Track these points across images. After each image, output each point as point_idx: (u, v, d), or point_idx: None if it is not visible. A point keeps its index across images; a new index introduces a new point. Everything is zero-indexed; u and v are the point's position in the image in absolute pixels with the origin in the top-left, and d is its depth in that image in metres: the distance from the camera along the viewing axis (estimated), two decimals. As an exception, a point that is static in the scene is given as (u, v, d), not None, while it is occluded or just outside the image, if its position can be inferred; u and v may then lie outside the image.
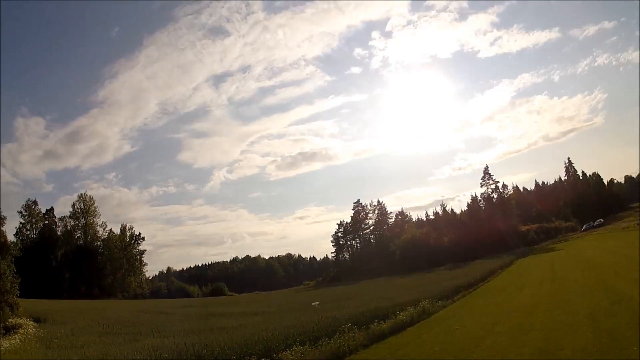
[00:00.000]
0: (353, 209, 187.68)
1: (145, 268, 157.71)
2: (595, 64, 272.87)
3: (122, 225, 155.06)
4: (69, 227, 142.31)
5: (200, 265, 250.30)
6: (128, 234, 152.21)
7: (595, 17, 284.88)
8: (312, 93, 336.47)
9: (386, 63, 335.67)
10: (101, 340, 32.02)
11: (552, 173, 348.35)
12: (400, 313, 30.96)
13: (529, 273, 56.63)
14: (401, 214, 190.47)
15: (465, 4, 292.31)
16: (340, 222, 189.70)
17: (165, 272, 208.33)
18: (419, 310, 32.92)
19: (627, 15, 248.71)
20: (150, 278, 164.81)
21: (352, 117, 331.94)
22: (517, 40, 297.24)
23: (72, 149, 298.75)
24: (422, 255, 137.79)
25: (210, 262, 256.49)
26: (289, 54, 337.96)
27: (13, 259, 48.27)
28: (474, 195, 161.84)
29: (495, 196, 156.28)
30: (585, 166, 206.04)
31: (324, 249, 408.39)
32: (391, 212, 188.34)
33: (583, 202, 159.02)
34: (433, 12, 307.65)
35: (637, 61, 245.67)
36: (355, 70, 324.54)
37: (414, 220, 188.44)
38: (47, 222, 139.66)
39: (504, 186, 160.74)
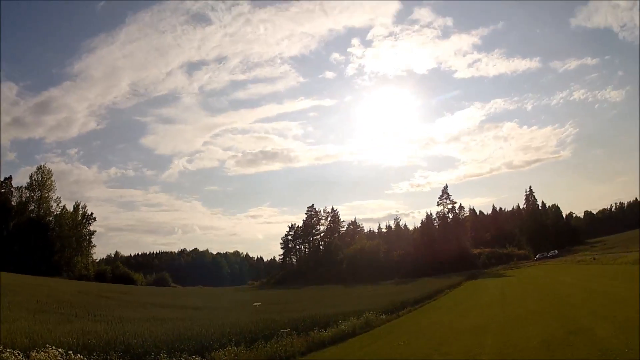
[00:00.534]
0: (306, 214, 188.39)
1: (94, 250, 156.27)
2: (571, 98, 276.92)
3: (75, 203, 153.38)
4: (24, 199, 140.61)
5: (147, 253, 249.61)
6: (80, 212, 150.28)
7: (579, 52, 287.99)
8: (283, 92, 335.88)
9: (361, 71, 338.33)
10: (34, 317, 30.55)
11: (510, 200, 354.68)
12: (343, 322, 30.09)
13: (478, 295, 56.24)
14: (353, 223, 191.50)
15: (450, 23, 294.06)
16: (292, 225, 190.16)
17: (112, 256, 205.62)
18: (362, 321, 31.99)
19: (610, 53, 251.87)
20: (97, 260, 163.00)
21: (318, 121, 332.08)
22: (495, 65, 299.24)
23: (39, 120, 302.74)
24: (370, 267, 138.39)
25: (158, 251, 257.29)
26: (266, 50, 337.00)
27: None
28: (429, 213, 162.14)
29: (451, 216, 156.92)
30: (545, 197, 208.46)
31: (272, 251, 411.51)
32: (344, 221, 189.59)
33: (539, 232, 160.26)
34: (417, 27, 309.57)
35: (614, 100, 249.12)
36: (330, 74, 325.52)
37: (365, 231, 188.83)
38: (3, 190, 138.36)
39: (461, 207, 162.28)
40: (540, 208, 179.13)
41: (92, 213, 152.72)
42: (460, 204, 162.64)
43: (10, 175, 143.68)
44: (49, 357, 16.74)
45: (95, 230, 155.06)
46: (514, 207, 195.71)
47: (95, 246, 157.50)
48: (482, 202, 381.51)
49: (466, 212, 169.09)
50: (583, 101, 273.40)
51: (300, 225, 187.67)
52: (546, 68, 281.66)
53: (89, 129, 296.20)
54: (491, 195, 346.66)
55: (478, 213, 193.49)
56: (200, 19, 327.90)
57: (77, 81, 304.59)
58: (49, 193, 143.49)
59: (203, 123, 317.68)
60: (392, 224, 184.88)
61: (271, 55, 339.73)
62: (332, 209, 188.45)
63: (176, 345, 20.32)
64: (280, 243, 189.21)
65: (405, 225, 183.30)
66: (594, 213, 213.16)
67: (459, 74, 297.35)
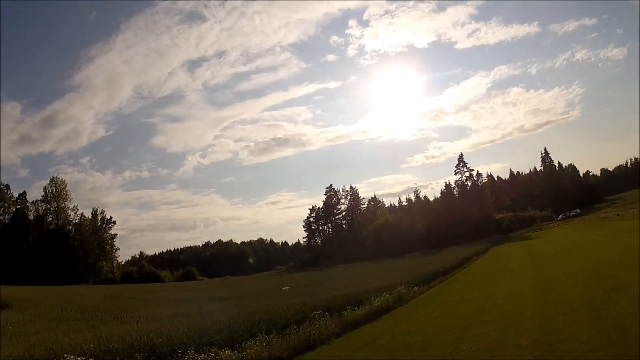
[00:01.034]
0: (325, 194, 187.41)
1: (118, 253, 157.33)
2: (574, 59, 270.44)
3: (93, 209, 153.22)
4: (40, 212, 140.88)
5: (172, 250, 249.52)
6: (99, 217, 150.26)
7: (576, 14, 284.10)
8: (287, 79, 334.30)
9: (362, 51, 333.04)
10: (58, 327, 29.84)
11: (526, 164, 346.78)
12: (375, 299, 29.13)
13: (507, 260, 55.02)
14: (374, 199, 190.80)
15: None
16: (313, 207, 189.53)
17: (137, 256, 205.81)
18: (395, 296, 31.09)
19: (608, 12, 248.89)
20: (122, 263, 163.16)
21: (326, 103, 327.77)
22: (495, 32, 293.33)
23: (47, 134, 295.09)
24: (395, 241, 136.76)
25: (182, 247, 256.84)
26: (265, 40, 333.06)
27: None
28: (447, 183, 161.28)
29: (469, 184, 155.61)
30: (560, 158, 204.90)
31: (296, 234, 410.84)
32: (363, 198, 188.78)
33: (559, 192, 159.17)
34: (411, 3, 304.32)
35: (617, 58, 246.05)
36: (331, 57, 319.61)
37: (386, 206, 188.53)
38: (19, 206, 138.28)
39: (478, 174, 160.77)
40: (557, 169, 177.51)
41: (111, 217, 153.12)
42: (478, 171, 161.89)
43: (25, 191, 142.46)
44: None
45: (116, 234, 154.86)
46: (531, 170, 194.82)
47: (119, 249, 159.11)
48: (498, 168, 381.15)
49: (484, 179, 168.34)
50: (586, 61, 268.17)
51: (321, 206, 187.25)
52: (545, 32, 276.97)
53: (98, 136, 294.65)
54: (507, 161, 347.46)
55: (496, 178, 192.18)
56: (195, 17, 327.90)
57: (79, 92, 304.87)
58: (65, 203, 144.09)
59: (211, 117, 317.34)
60: (412, 196, 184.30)
61: (270, 44, 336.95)
62: (351, 187, 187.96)
63: (204, 339, 19.45)
64: (303, 226, 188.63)
65: (425, 196, 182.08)
66: (610, 170, 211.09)
67: (460, 44, 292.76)
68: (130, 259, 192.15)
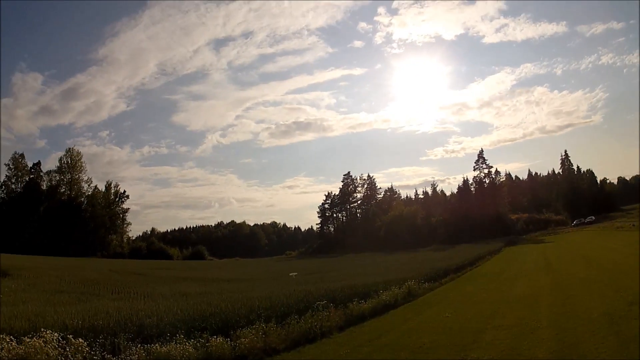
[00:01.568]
0: (342, 181, 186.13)
1: (129, 228, 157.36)
2: (600, 62, 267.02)
3: (107, 182, 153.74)
4: (54, 182, 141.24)
5: (184, 228, 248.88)
6: (113, 191, 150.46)
7: (604, 17, 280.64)
8: (312, 63, 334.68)
9: (389, 39, 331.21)
10: (50, 298, 29.24)
11: (544, 165, 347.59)
12: (384, 292, 27.89)
13: (520, 262, 54.31)
14: (390, 190, 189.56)
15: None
16: (329, 193, 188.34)
17: (149, 233, 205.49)
18: (404, 290, 29.93)
19: (635, 17, 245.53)
20: (133, 238, 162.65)
21: (350, 90, 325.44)
22: (523, 29, 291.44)
23: (67, 106, 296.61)
24: (408, 233, 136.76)
25: (195, 226, 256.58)
26: (292, 22, 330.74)
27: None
28: (465, 178, 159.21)
29: (487, 181, 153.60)
30: (579, 163, 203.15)
31: (309, 220, 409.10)
32: (380, 188, 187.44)
33: (575, 198, 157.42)
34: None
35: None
36: (358, 44, 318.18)
37: (402, 198, 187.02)
38: (32, 176, 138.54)
39: (497, 172, 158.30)
40: (575, 173, 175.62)
41: (124, 191, 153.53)
42: (497, 168, 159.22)
43: (39, 161, 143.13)
44: (44, 342, 14.94)
45: (128, 208, 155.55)
46: (549, 172, 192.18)
47: (131, 224, 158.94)
48: (516, 167, 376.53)
49: (502, 177, 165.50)
50: (611, 65, 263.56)
51: (337, 193, 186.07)
52: (573, 32, 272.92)
53: (118, 110, 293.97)
54: (525, 160, 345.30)
55: (514, 178, 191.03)
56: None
57: (103, 66, 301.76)
58: (80, 174, 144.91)
59: (234, 97, 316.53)
60: (429, 190, 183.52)
61: (298, 27, 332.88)
62: (369, 175, 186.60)
63: (197, 323, 18.33)
64: (317, 212, 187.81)
65: (442, 190, 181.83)
66: (627, 179, 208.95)
67: (487, 39, 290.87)
68: (141, 234, 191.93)
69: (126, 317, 18.42)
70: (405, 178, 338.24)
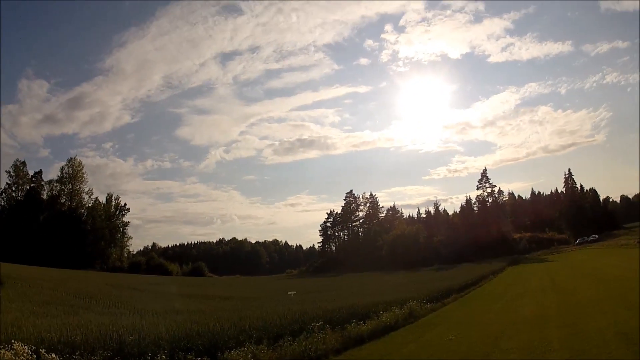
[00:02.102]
0: (345, 199, 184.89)
1: (130, 242, 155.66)
2: (604, 82, 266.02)
3: (108, 194, 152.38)
4: (55, 192, 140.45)
5: (185, 243, 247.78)
6: (113, 203, 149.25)
7: (609, 36, 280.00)
8: (318, 80, 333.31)
9: (395, 57, 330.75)
10: (36, 309, 28.66)
11: (547, 184, 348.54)
12: (384, 313, 26.76)
13: (525, 281, 53.35)
14: (393, 209, 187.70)
15: (481, 7, 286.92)
16: (330, 211, 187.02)
17: (150, 247, 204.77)
18: (406, 311, 28.68)
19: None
20: (133, 252, 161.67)
21: (354, 108, 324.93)
22: (528, 48, 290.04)
23: (72, 115, 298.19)
24: (410, 253, 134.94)
25: (196, 242, 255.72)
26: (299, 38, 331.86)
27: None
28: (468, 198, 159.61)
29: (490, 200, 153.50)
30: (581, 181, 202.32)
31: (311, 239, 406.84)
32: (382, 207, 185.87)
33: (578, 216, 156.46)
34: (449, 12, 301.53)
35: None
36: (364, 61, 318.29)
37: (405, 217, 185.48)
38: (33, 184, 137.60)
39: (500, 192, 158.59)
40: (579, 191, 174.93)
41: (125, 204, 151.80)
42: (500, 188, 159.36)
43: (41, 169, 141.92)
44: (13, 355, 14.34)
45: (129, 222, 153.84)
46: (552, 191, 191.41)
47: (132, 238, 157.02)
48: (519, 187, 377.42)
49: (505, 197, 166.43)
50: (616, 84, 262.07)
51: (339, 211, 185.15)
52: (578, 51, 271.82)
53: (123, 122, 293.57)
54: (528, 180, 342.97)
55: (517, 197, 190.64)
56: (232, 10, 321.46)
57: (109, 76, 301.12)
58: (81, 185, 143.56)
59: (238, 113, 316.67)
60: (432, 209, 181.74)
61: (305, 43, 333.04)
62: (371, 194, 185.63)
63: (182, 343, 17.32)
64: (319, 230, 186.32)
65: (444, 210, 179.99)
66: (630, 198, 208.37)
67: (493, 58, 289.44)
68: (142, 249, 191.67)
69: (107, 333, 17.50)
70: (408, 197, 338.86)
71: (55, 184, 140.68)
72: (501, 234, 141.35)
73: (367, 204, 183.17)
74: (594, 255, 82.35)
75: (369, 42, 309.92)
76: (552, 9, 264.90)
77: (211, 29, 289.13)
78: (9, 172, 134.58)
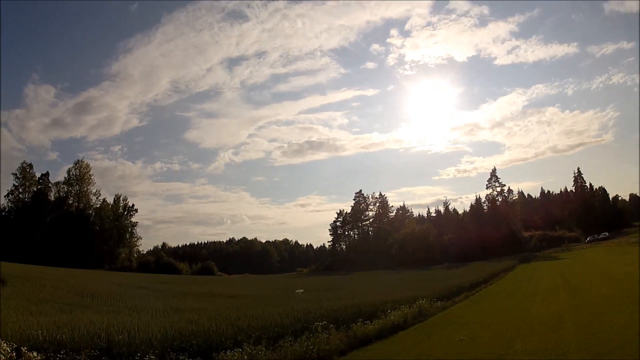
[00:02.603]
0: (354, 199, 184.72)
1: (139, 242, 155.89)
2: (610, 82, 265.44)
3: (115, 196, 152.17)
4: (62, 193, 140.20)
5: (195, 243, 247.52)
6: (121, 204, 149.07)
7: (614, 37, 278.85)
8: (325, 84, 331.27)
9: (402, 61, 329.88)
10: (30, 307, 28.35)
11: (556, 184, 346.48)
12: (392, 312, 25.82)
13: (537, 279, 52.14)
14: (402, 208, 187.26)
15: (486, 11, 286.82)
16: (340, 211, 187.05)
17: (160, 247, 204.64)
18: (415, 310, 27.75)
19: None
20: (143, 252, 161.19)
21: (362, 110, 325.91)
22: (534, 51, 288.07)
23: (80, 119, 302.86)
24: (420, 251, 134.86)
25: (206, 242, 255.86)
26: (305, 43, 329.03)
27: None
28: (478, 197, 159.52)
29: (500, 199, 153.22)
30: (590, 180, 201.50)
31: (321, 238, 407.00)
32: (392, 206, 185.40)
33: (588, 214, 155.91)
34: (454, 16, 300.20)
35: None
36: (370, 65, 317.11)
37: (415, 216, 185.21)
38: (41, 186, 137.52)
39: (509, 190, 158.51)
40: (588, 190, 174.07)
41: (133, 205, 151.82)
42: (509, 187, 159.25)
43: (48, 172, 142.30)
44: None
45: (137, 222, 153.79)
46: (562, 190, 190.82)
47: (141, 238, 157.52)
48: (529, 186, 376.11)
49: (515, 196, 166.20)
50: (622, 85, 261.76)
51: (349, 211, 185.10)
52: (584, 53, 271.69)
53: (131, 126, 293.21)
54: (537, 180, 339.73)
55: (526, 196, 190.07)
56: (237, 16, 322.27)
57: (116, 81, 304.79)
58: (88, 187, 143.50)
59: (247, 116, 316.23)
60: (441, 208, 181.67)
61: (311, 48, 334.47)
62: (380, 194, 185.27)
63: (176, 343, 16.49)
64: (329, 229, 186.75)
65: (454, 209, 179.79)
66: (639, 196, 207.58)
67: (499, 60, 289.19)
68: (152, 249, 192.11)
69: (95, 332, 16.75)
70: (418, 197, 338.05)
71: (62, 186, 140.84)
72: (511, 232, 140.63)
73: (377, 204, 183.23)
74: (605, 253, 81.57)
75: (375, 46, 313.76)
76: (556, 11, 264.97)
77: (217, 35, 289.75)
78: (16, 174, 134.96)
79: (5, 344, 13.95)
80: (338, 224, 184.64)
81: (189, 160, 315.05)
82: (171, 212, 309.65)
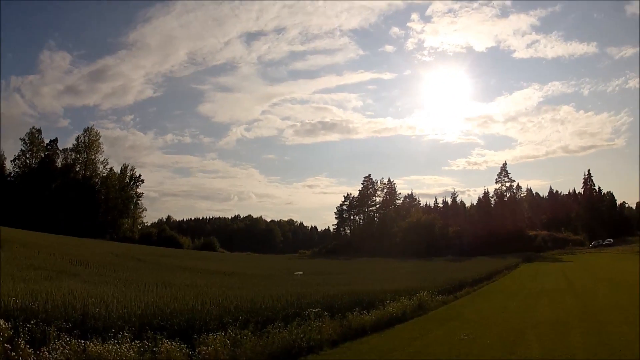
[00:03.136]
0: (362, 183, 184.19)
1: (144, 213, 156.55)
2: (627, 86, 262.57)
3: (123, 165, 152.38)
4: (69, 160, 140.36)
5: (200, 218, 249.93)
6: (128, 174, 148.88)
7: (634, 40, 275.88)
8: (342, 64, 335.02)
9: (421, 46, 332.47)
10: (16, 273, 27.28)
11: (565, 184, 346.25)
12: (391, 303, 24.78)
13: (540, 280, 51.48)
14: (410, 196, 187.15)
15: (508, 2, 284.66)
16: (348, 194, 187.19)
17: (164, 220, 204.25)
18: (415, 302, 26.92)
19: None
20: (147, 224, 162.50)
21: (377, 94, 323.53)
22: (554, 47, 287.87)
23: (94, 87, 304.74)
24: (425, 241, 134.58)
25: (211, 217, 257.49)
26: (325, 22, 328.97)
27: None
28: (486, 191, 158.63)
29: (508, 195, 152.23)
30: (599, 184, 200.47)
31: (327, 221, 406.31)
32: (400, 193, 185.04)
33: (594, 218, 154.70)
34: (475, 4, 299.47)
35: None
36: (389, 48, 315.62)
37: (422, 205, 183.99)
38: (48, 152, 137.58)
39: (518, 187, 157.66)
40: (596, 193, 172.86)
41: (140, 175, 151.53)
42: (518, 183, 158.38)
43: (57, 138, 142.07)
44: None
45: (142, 193, 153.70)
46: (570, 192, 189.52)
47: (146, 210, 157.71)
48: (537, 184, 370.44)
49: (523, 192, 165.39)
50: (638, 90, 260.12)
51: (356, 195, 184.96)
52: (603, 53, 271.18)
53: (145, 96, 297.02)
54: (546, 178, 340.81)
55: (534, 194, 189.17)
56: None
57: (132, 50, 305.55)
58: (96, 155, 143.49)
59: (261, 92, 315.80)
60: (449, 199, 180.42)
61: (330, 27, 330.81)
62: (389, 180, 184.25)
63: (156, 320, 15.43)
64: (335, 213, 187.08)
65: (462, 201, 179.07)
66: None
67: (518, 54, 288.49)
68: (157, 221, 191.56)
69: (71, 302, 15.82)
70: (426, 186, 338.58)
71: (70, 153, 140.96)
72: (517, 229, 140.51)
73: (385, 190, 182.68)
74: (610, 260, 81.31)
75: (395, 29, 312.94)
76: (578, 8, 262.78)
77: (237, 9, 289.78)
78: (24, 139, 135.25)
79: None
80: (344, 207, 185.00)
81: (201, 133, 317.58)
82: (179, 186, 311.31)
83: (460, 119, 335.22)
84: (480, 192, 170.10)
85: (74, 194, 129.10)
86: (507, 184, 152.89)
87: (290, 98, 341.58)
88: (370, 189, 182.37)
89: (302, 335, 16.48)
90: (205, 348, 13.79)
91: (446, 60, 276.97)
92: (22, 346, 12.08)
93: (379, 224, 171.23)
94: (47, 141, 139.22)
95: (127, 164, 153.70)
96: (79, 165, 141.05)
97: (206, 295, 20.14)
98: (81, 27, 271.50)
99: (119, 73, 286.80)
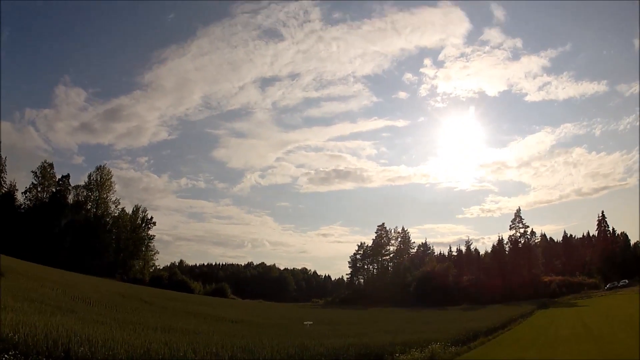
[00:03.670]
0: (376, 232, 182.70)
1: (156, 256, 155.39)
2: (638, 123, 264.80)
3: (135, 206, 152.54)
4: (80, 197, 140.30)
5: (213, 264, 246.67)
6: (140, 216, 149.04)
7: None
8: (357, 111, 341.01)
9: (434, 92, 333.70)
10: (10, 304, 27.05)
11: (579, 227, 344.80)
12: (400, 356, 23.83)
13: (557, 327, 49.86)
14: (424, 245, 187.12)
15: (519, 44, 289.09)
16: (361, 243, 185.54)
17: (176, 264, 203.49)
18: (427, 355, 25.78)
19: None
20: (159, 267, 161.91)
21: (391, 141, 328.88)
22: (565, 88, 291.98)
23: (108, 126, 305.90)
24: (439, 290, 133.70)
25: (224, 263, 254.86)
26: (339, 68, 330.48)
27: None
28: (500, 238, 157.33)
29: (522, 241, 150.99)
30: (613, 225, 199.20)
31: (340, 270, 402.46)
32: (414, 242, 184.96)
33: (608, 260, 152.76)
34: (487, 48, 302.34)
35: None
36: (402, 95, 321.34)
37: (436, 254, 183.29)
38: (60, 187, 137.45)
39: (532, 233, 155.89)
40: (610, 235, 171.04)
41: (152, 217, 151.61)
42: (532, 229, 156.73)
43: (68, 174, 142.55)
44: None
45: (154, 235, 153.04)
46: (584, 235, 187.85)
47: (158, 252, 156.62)
48: (551, 229, 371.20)
49: (538, 238, 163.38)
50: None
51: (370, 244, 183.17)
52: (613, 92, 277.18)
53: (159, 138, 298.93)
54: (560, 223, 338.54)
55: (549, 239, 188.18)
56: (272, 35, 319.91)
57: (148, 91, 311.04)
58: (108, 194, 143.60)
59: (276, 139, 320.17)
60: (463, 248, 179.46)
61: (344, 73, 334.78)
62: (403, 229, 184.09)
63: None
64: (349, 262, 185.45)
65: (476, 249, 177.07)
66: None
67: (530, 97, 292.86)
68: (169, 265, 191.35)
69: (52, 338, 15.67)
70: (440, 235, 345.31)
71: (81, 190, 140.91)
72: (531, 276, 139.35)
73: (399, 239, 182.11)
74: (626, 301, 79.65)
75: (408, 75, 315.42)
76: (588, 46, 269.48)
77: (252, 53, 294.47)
78: (35, 172, 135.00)
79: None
80: (358, 256, 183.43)
81: (215, 179, 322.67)
82: (192, 230, 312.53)
83: (474, 165, 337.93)
84: (494, 239, 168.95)
85: (84, 231, 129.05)
86: (522, 230, 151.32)
87: (305, 145, 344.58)
88: (384, 238, 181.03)
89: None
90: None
91: (459, 106, 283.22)
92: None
93: (393, 273, 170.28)
94: (59, 176, 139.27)
95: (139, 205, 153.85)
96: (90, 203, 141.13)
97: (202, 343, 19.21)
98: (97, 64, 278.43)
99: (133, 113, 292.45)
